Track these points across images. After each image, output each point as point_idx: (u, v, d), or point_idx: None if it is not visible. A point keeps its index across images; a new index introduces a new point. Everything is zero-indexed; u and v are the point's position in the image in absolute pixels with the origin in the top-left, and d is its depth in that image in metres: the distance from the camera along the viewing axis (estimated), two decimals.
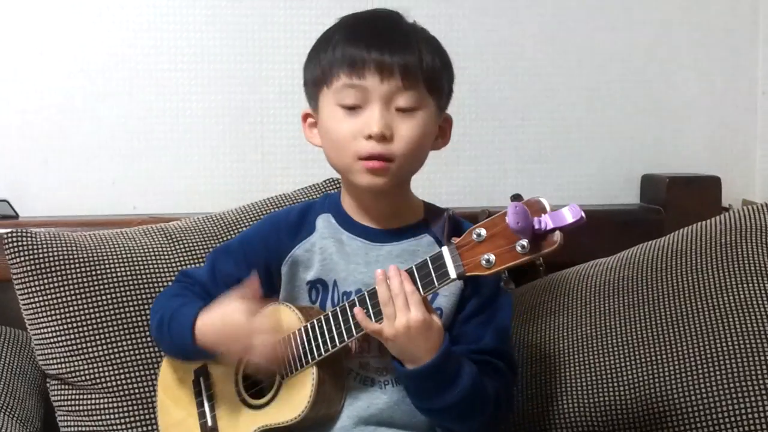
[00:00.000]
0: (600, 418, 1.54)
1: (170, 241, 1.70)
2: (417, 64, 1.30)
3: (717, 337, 1.50)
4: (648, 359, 1.53)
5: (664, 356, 1.52)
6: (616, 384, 1.54)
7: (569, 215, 1.09)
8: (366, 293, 1.27)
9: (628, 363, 1.55)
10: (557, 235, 1.11)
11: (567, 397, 1.57)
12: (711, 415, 1.46)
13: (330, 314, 1.30)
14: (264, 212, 1.75)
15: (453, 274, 1.20)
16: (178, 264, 1.66)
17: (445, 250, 1.21)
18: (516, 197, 1.14)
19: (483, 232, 1.16)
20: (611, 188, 2.09)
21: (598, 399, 1.55)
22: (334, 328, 1.29)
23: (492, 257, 1.15)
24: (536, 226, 1.10)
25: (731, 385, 1.46)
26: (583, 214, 1.09)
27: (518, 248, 1.12)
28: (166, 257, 1.67)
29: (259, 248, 1.43)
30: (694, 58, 2.10)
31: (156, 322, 1.44)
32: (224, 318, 1.33)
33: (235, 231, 1.71)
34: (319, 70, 1.34)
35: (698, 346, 1.51)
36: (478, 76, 2.03)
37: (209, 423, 1.42)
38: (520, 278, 1.74)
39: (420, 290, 1.23)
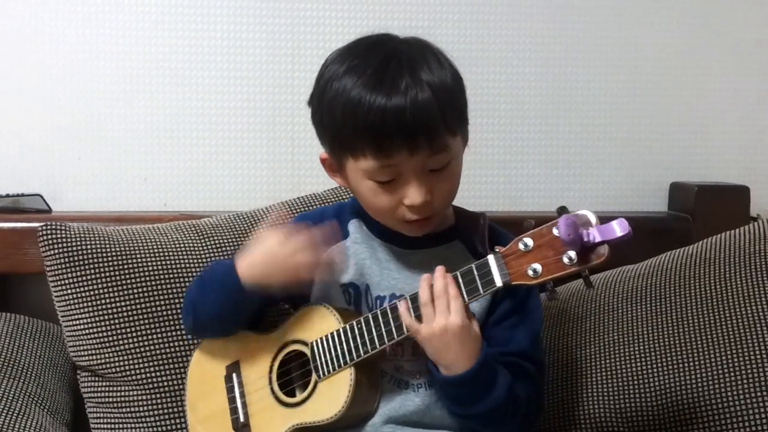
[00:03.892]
0: (626, 424, 1.54)
1: (201, 237, 1.71)
2: (439, 120, 1.25)
3: (744, 346, 1.50)
4: (675, 367, 1.53)
5: (691, 364, 1.52)
6: (642, 391, 1.54)
7: (618, 229, 1.11)
8: (408, 296, 1.28)
9: (655, 370, 1.55)
10: (605, 248, 1.12)
11: (593, 402, 1.58)
12: (738, 424, 1.46)
13: (370, 316, 1.31)
14: (294, 211, 1.75)
15: (499, 282, 1.21)
16: (209, 260, 1.67)
17: (490, 258, 1.22)
18: (562, 209, 1.15)
19: (530, 242, 1.18)
20: (640, 196, 2.08)
21: (624, 405, 1.55)
22: (374, 330, 1.30)
23: (539, 267, 1.17)
24: (585, 239, 1.12)
25: (759, 393, 1.45)
26: (630, 229, 1.11)
27: (565, 260, 1.14)
28: (197, 253, 1.68)
29: None
30: (724, 67, 2.09)
31: (196, 286, 1.44)
32: (262, 248, 1.35)
33: None
34: (339, 137, 1.30)
35: (726, 354, 1.50)
36: (507, 82, 2.03)
37: (241, 419, 1.42)
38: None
39: (465, 296, 1.24)
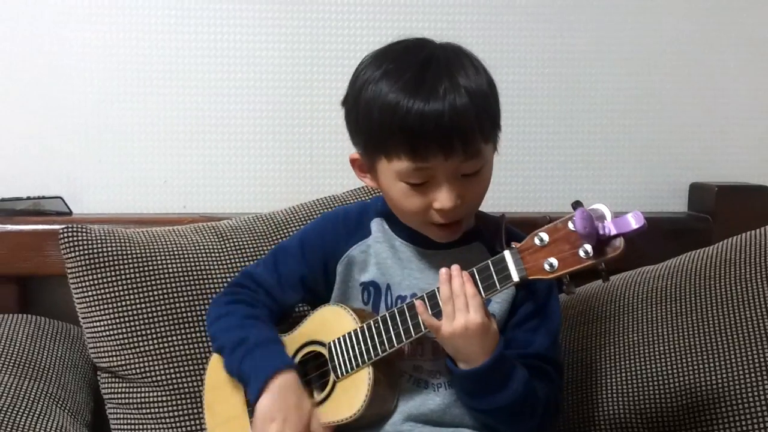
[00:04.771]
0: (646, 424, 1.54)
1: (221, 239, 1.72)
2: (475, 126, 1.26)
3: (766, 346, 1.48)
4: (695, 368, 1.52)
5: (711, 365, 1.51)
6: (662, 391, 1.54)
7: (633, 222, 1.11)
8: (425, 295, 1.28)
9: (675, 371, 1.54)
10: (620, 241, 1.13)
11: (612, 403, 1.57)
12: (759, 425, 1.44)
13: (387, 315, 1.31)
14: (313, 213, 1.76)
15: (516, 277, 1.21)
16: (229, 261, 1.68)
17: (506, 253, 1.22)
18: (577, 204, 1.15)
19: (546, 236, 1.18)
20: (659, 196, 2.08)
21: (645, 406, 1.54)
22: (392, 329, 1.30)
23: (555, 261, 1.17)
24: (601, 232, 1.12)
25: None
26: (645, 222, 1.11)
27: (581, 253, 1.14)
28: (217, 255, 1.69)
29: (316, 246, 1.45)
30: (743, 67, 2.08)
31: (233, 340, 1.41)
32: (301, 400, 1.35)
33: (285, 231, 1.73)
34: (374, 139, 1.30)
35: (746, 355, 1.49)
36: (526, 83, 2.03)
37: None
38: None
39: (481, 292, 1.24)
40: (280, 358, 1.37)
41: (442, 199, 1.28)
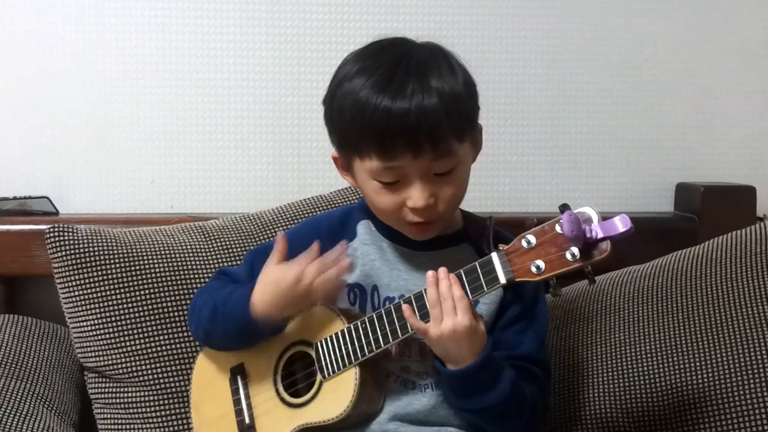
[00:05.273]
0: (632, 423, 1.54)
1: (208, 239, 1.72)
2: (445, 126, 1.26)
3: (751, 345, 1.49)
4: (682, 367, 1.53)
5: (697, 364, 1.52)
6: (649, 390, 1.54)
7: (620, 225, 1.11)
8: (412, 296, 1.28)
9: (661, 370, 1.54)
10: (606, 244, 1.13)
11: (600, 401, 1.58)
12: (744, 423, 1.45)
13: (375, 316, 1.31)
14: (301, 213, 1.76)
15: (503, 279, 1.22)
16: (215, 261, 1.68)
17: (494, 255, 1.23)
18: (565, 206, 1.16)
19: (533, 239, 1.19)
20: (646, 196, 2.08)
21: (631, 405, 1.55)
22: (378, 329, 1.30)
23: (542, 264, 1.18)
24: (588, 235, 1.13)
25: (765, 393, 1.45)
26: (632, 225, 1.11)
27: (568, 256, 1.15)
28: (204, 255, 1.69)
29: (298, 250, 1.43)
30: (731, 67, 2.09)
31: (208, 313, 1.43)
32: (269, 279, 1.35)
33: (272, 231, 1.73)
34: (346, 137, 1.32)
35: (732, 354, 1.50)
36: (514, 83, 2.03)
37: (247, 421, 1.43)
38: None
39: (468, 294, 1.25)
40: (243, 293, 1.37)
41: (415, 197, 1.28)
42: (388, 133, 1.25)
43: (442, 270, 1.26)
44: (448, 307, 1.24)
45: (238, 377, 1.45)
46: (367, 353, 1.31)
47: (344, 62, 1.35)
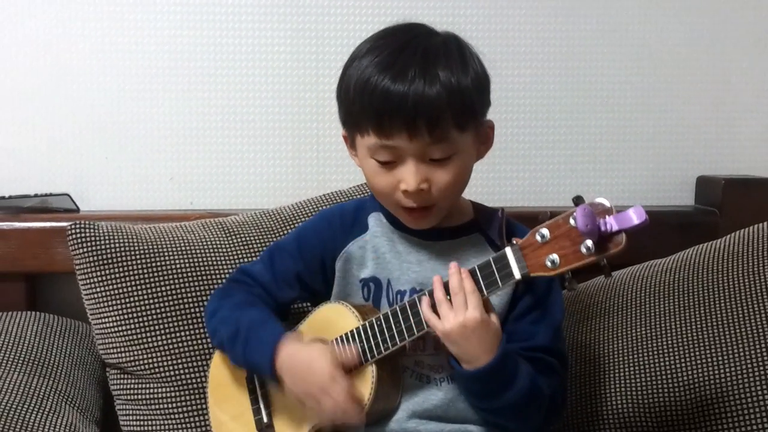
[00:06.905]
0: (652, 419, 1.53)
1: (228, 234, 1.72)
2: (445, 113, 1.26)
3: None
4: (704, 361, 1.52)
5: (720, 358, 1.51)
6: (669, 386, 1.54)
7: (635, 217, 1.10)
8: (427, 292, 1.28)
9: (683, 364, 1.54)
10: (621, 237, 1.12)
11: (621, 397, 1.57)
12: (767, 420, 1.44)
13: (389, 313, 1.30)
14: (320, 208, 1.76)
15: (518, 274, 1.21)
16: (235, 257, 1.68)
17: (508, 250, 1.22)
18: (578, 199, 1.15)
19: (547, 233, 1.18)
20: (666, 190, 2.08)
21: (653, 400, 1.54)
22: (394, 326, 1.30)
23: (557, 258, 1.17)
24: (602, 228, 1.11)
25: None
26: (647, 217, 1.10)
27: (583, 249, 1.14)
28: (224, 250, 1.69)
29: (313, 243, 1.45)
30: (751, 59, 2.07)
31: (228, 334, 1.41)
32: (308, 358, 1.32)
33: (292, 226, 1.73)
34: (349, 113, 1.34)
35: (754, 348, 1.50)
36: (532, 76, 2.03)
37: (265, 419, 1.43)
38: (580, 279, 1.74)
39: (483, 290, 1.24)
40: (271, 335, 1.36)
41: (407, 179, 1.29)
42: (385, 112, 1.26)
43: (453, 265, 1.26)
44: (459, 302, 1.24)
45: (255, 376, 1.45)
46: (383, 351, 1.30)
47: (361, 43, 1.37)
